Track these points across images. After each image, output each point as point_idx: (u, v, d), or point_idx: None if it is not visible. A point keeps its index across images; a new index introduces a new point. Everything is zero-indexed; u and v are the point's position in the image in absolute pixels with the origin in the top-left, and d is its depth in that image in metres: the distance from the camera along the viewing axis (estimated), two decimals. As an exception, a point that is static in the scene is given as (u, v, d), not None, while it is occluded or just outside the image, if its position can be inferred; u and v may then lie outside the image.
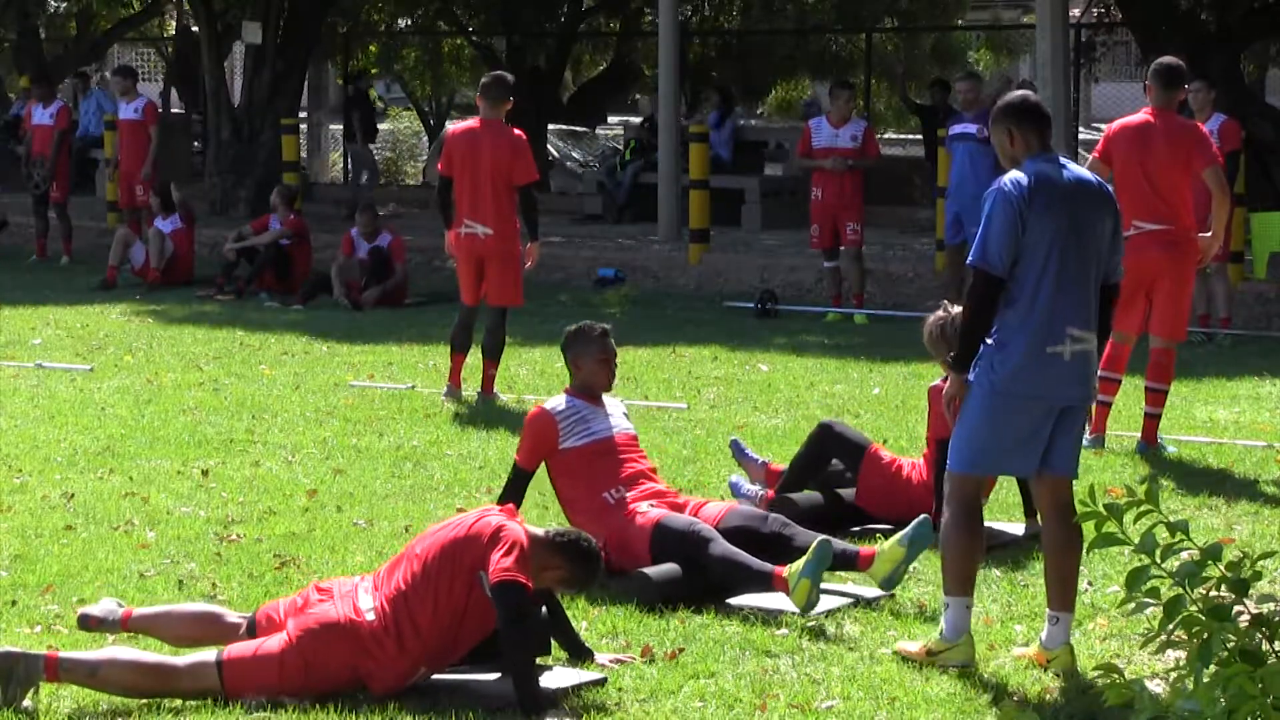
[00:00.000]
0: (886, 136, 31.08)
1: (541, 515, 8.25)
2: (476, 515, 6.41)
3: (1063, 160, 6.69)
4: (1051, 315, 6.49)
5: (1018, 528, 8.50)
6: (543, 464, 7.93)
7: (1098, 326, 6.63)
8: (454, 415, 11.50)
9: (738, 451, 9.24)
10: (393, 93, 37.39)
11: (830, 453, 8.81)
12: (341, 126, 28.18)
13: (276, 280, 18.18)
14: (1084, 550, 6.38)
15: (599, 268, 19.07)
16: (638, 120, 25.68)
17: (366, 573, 6.76)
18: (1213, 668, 3.80)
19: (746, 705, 6.11)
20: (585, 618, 7.08)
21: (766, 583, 7.21)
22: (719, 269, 18.62)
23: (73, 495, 9.12)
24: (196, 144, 28.39)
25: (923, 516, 7.46)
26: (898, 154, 27.85)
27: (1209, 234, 10.51)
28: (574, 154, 30.38)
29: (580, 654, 6.52)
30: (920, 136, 25.89)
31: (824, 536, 7.30)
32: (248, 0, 23.37)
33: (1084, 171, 6.76)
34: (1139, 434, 10.46)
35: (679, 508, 7.80)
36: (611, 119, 34.08)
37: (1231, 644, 3.81)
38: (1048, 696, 6.25)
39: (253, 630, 6.35)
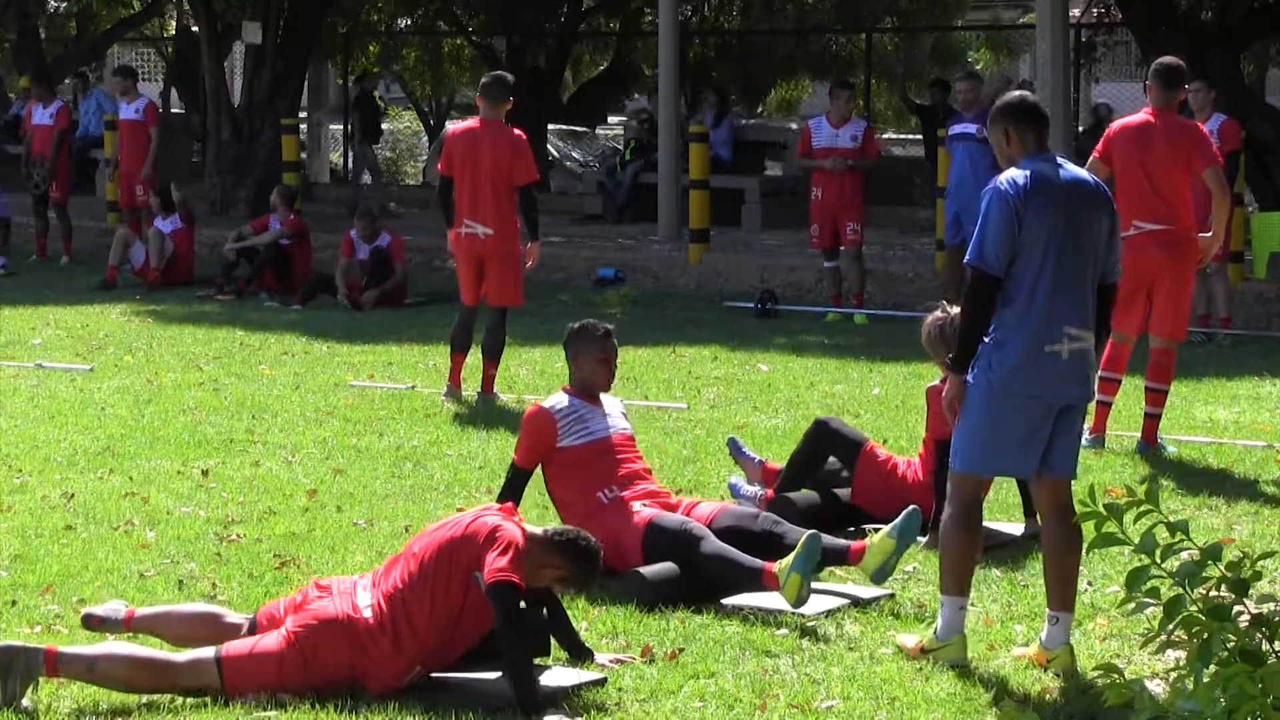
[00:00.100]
0: (886, 136, 31.11)
1: (542, 515, 8.25)
2: (473, 515, 6.41)
3: (1059, 160, 6.69)
4: (1049, 314, 6.49)
5: (1016, 527, 8.50)
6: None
7: (1096, 326, 6.64)
8: (454, 415, 11.50)
9: (735, 450, 9.25)
10: (393, 93, 37.40)
11: (827, 449, 8.83)
12: (341, 127, 28.21)
13: (276, 280, 18.18)
14: (1084, 550, 6.37)
15: (599, 268, 19.07)
16: (633, 108, 25.62)
17: (367, 571, 6.77)
18: (1213, 668, 3.80)
19: (746, 705, 6.11)
20: (585, 618, 7.08)
21: (757, 579, 7.22)
22: (719, 269, 18.62)
23: (73, 495, 9.12)
24: (197, 144, 28.38)
25: (912, 507, 7.46)
26: (898, 154, 27.87)
27: (1209, 234, 10.51)
28: (574, 154, 30.39)
29: (580, 654, 6.52)
30: (920, 136, 25.90)
31: (813, 531, 7.30)
32: (248, 0, 23.37)
33: (1081, 171, 6.77)
34: (1139, 434, 10.46)
35: (672, 508, 7.80)
36: (611, 119, 34.10)
37: (1231, 644, 3.81)
38: (1048, 696, 6.25)
39: (254, 631, 6.35)
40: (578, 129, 31.03)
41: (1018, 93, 6.90)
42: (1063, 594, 6.57)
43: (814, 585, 7.22)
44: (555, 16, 29.10)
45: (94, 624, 6.48)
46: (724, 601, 7.26)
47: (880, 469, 8.69)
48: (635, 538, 7.58)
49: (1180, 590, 3.91)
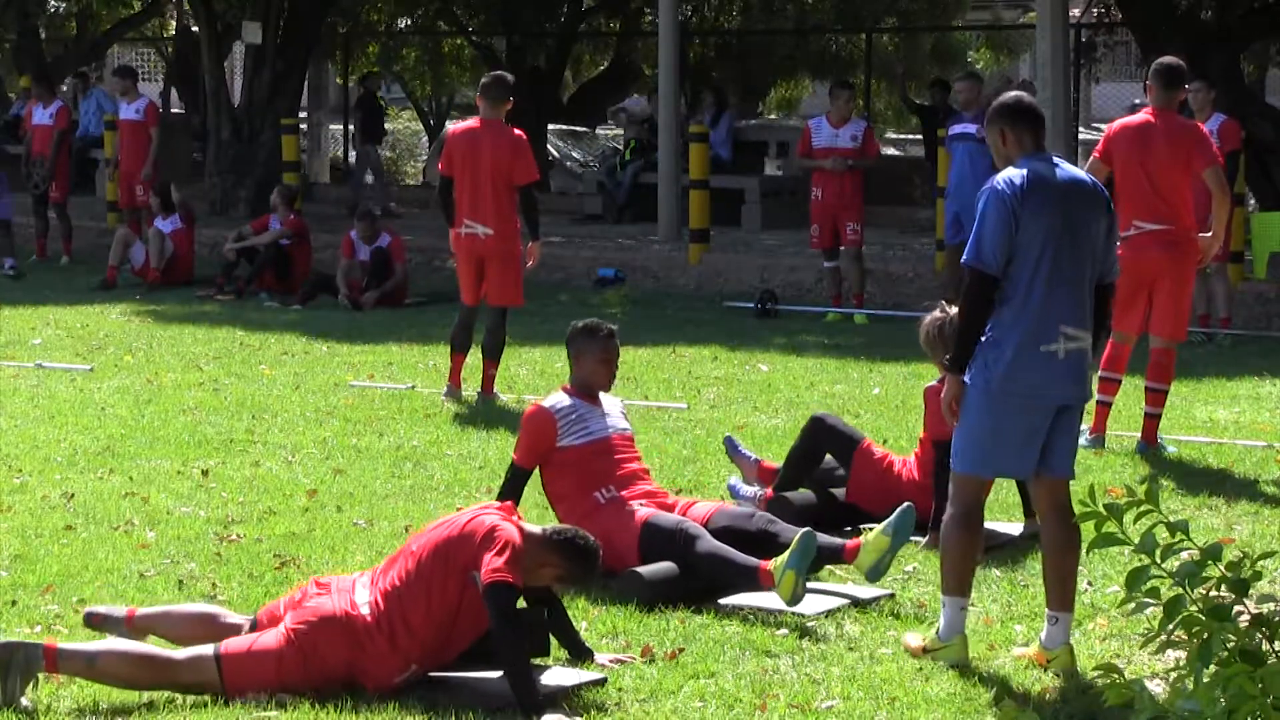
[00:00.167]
0: (886, 136, 31.10)
1: (541, 515, 8.25)
2: (471, 514, 6.41)
3: (1056, 159, 6.70)
4: (1045, 314, 6.49)
5: (1016, 527, 8.50)
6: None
7: (1094, 325, 6.63)
8: (454, 415, 11.50)
9: (731, 449, 9.26)
10: (393, 93, 37.40)
11: (823, 445, 8.84)
12: (341, 126, 28.19)
13: (276, 280, 18.18)
14: (1083, 550, 6.38)
15: (599, 268, 19.07)
16: (633, 107, 25.59)
17: (366, 570, 6.77)
18: (1213, 668, 3.80)
19: (746, 705, 6.11)
20: (585, 618, 7.08)
21: (753, 577, 7.22)
22: (719, 269, 18.62)
23: (73, 495, 9.12)
24: (197, 144, 28.38)
25: (906, 505, 7.46)
26: (898, 154, 27.86)
27: (1209, 234, 10.51)
28: (574, 154, 30.39)
29: (580, 654, 6.52)
30: (920, 136, 25.89)
31: (807, 529, 7.30)
32: (248, 0, 23.37)
33: (1078, 171, 6.77)
34: (1139, 434, 10.46)
35: (669, 508, 7.81)
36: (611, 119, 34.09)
37: (1231, 644, 3.81)
38: (1048, 696, 6.24)
39: (254, 631, 6.35)
40: (578, 129, 31.03)
41: (1014, 93, 6.91)
42: (1062, 594, 6.57)
43: (814, 585, 7.22)
44: (555, 16, 29.10)
45: (96, 622, 6.49)
46: (723, 601, 7.26)
47: (876, 467, 8.69)
48: (631, 537, 7.58)
49: (1180, 590, 3.91)
